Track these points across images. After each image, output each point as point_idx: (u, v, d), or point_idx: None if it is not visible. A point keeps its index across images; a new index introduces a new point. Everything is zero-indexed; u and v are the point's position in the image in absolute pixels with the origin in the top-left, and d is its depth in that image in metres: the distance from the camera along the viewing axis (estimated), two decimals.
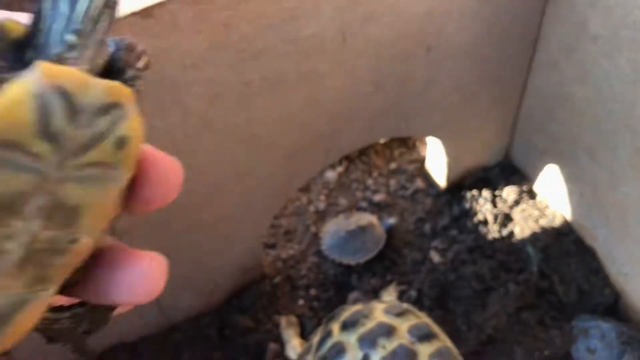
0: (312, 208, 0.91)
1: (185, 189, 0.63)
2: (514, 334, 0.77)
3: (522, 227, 0.87)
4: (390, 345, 0.66)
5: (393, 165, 0.95)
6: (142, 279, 0.24)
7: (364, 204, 0.91)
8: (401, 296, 0.82)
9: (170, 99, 0.53)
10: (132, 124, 0.21)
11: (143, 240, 0.64)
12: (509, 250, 0.84)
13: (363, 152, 0.96)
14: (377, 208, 0.90)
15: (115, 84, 0.20)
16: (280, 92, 0.59)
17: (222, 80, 0.54)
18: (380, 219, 0.87)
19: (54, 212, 0.19)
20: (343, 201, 0.91)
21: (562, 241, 0.85)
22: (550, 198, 0.88)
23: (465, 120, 0.79)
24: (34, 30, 0.20)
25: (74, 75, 0.19)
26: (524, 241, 0.86)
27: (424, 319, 0.71)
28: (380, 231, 0.85)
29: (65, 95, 0.18)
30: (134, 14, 0.46)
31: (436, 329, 0.70)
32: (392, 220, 0.86)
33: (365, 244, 0.83)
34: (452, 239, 0.86)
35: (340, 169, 0.95)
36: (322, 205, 0.91)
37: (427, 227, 0.87)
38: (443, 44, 0.65)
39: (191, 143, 0.58)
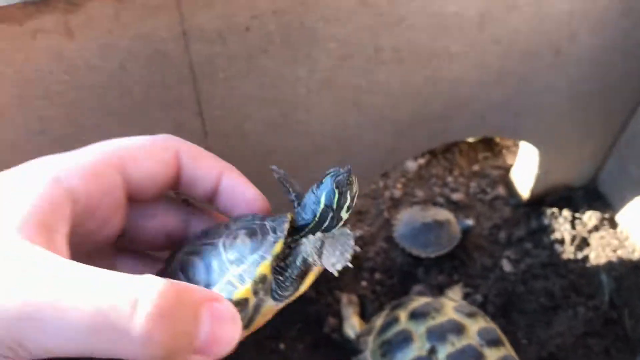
0: (387, 194, 0.90)
1: (289, 145, 0.62)
2: (577, 357, 0.75)
3: (598, 254, 0.84)
4: (459, 343, 0.65)
5: (476, 168, 0.93)
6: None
7: (440, 200, 0.89)
8: (465, 298, 0.81)
9: (304, 51, 0.53)
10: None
11: None
12: (582, 274, 0.82)
13: (447, 149, 0.95)
14: (454, 207, 0.89)
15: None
16: (407, 65, 0.58)
17: (357, 42, 0.54)
18: (456, 218, 0.85)
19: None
20: (420, 193, 0.90)
21: (638, 275, 0.82)
22: (633, 230, 0.85)
23: (569, 132, 0.77)
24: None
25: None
26: (598, 268, 0.83)
27: (492, 324, 0.70)
28: (456, 230, 0.83)
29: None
30: None
31: (503, 336, 0.69)
32: (470, 222, 0.84)
33: (440, 239, 0.82)
34: (525, 251, 0.84)
35: (421, 160, 0.93)
36: (397, 193, 0.90)
37: (502, 236, 0.86)
38: (573, 48, 0.63)
39: (310, 98, 0.57)
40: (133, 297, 0.26)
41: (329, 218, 0.34)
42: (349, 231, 0.34)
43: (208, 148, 0.59)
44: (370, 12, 0.52)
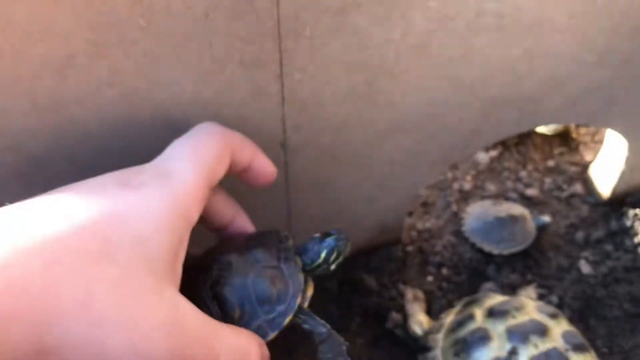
0: (456, 186, 0.85)
1: (366, 119, 0.57)
2: None
3: None
4: (542, 345, 0.59)
5: (551, 163, 0.87)
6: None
7: (513, 195, 0.83)
8: (540, 300, 0.75)
9: (401, 8, 0.48)
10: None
11: (304, 162, 0.59)
12: None
13: (520, 141, 0.89)
14: (528, 203, 0.83)
15: None
16: (507, 34, 0.52)
17: (458, 2, 0.49)
18: (531, 214, 0.79)
19: None
20: (491, 187, 0.84)
21: None
22: None
23: None
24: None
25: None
26: None
27: (574, 327, 0.64)
28: (531, 226, 0.77)
29: None
30: None
31: (587, 342, 0.63)
32: (546, 218, 0.78)
33: (514, 235, 0.76)
34: (606, 253, 0.78)
35: (493, 153, 0.88)
36: (467, 186, 0.84)
37: (579, 236, 0.79)
38: None
39: (399, 65, 0.52)
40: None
41: (321, 268, 0.44)
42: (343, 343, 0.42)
43: (284, 116, 0.55)
44: None
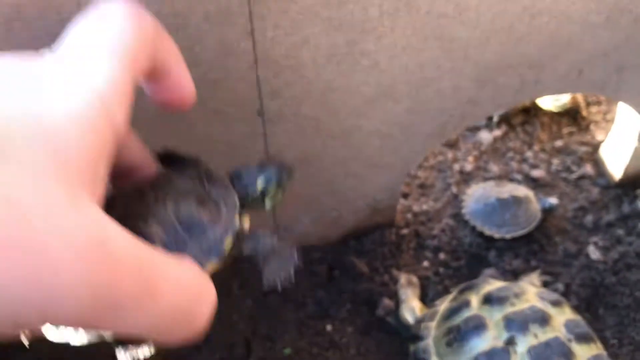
0: (456, 167, 0.79)
1: (351, 84, 0.52)
2: None
3: None
4: (543, 335, 0.54)
5: (559, 143, 0.81)
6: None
7: (518, 177, 0.78)
8: (544, 288, 0.70)
9: None
10: None
11: (286, 135, 0.54)
12: None
13: (526, 120, 0.84)
14: (534, 185, 0.77)
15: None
16: None
17: None
18: (536, 195, 0.74)
19: None
20: (494, 168, 0.79)
21: None
22: None
23: None
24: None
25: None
26: None
27: (579, 316, 0.59)
28: (535, 208, 0.72)
29: None
30: None
31: (592, 332, 0.58)
32: (553, 201, 0.73)
33: (517, 218, 0.71)
34: (617, 238, 0.72)
35: (497, 132, 0.82)
36: (468, 167, 0.79)
37: (588, 219, 0.74)
38: None
39: (383, 23, 0.47)
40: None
41: (255, 201, 0.38)
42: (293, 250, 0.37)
43: (257, 79, 0.50)
44: None
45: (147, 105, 0.41)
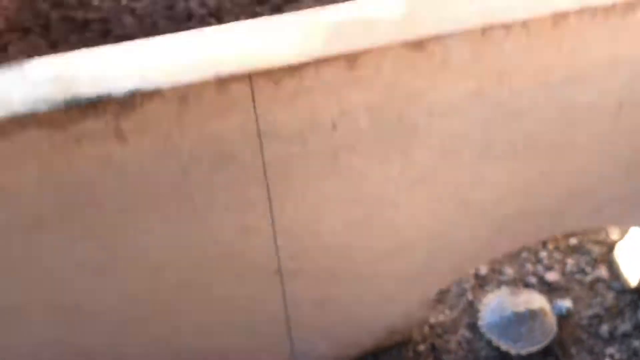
0: (471, 271, 0.79)
1: (371, 243, 0.53)
2: None
3: None
4: None
5: (573, 241, 0.81)
6: None
7: (532, 280, 0.78)
8: None
9: (400, 148, 0.43)
10: None
11: (310, 276, 0.55)
12: None
13: None
14: (548, 288, 0.77)
15: None
16: (521, 158, 0.48)
17: (465, 135, 0.44)
18: (550, 301, 0.74)
19: None
20: (509, 271, 0.79)
21: None
22: None
23: None
24: None
25: None
26: None
27: None
28: (551, 321, 0.72)
29: None
30: (404, 45, 0.36)
31: None
32: (567, 304, 0.73)
33: (532, 332, 0.71)
34: (634, 350, 0.72)
35: None
36: (484, 270, 0.79)
37: (604, 329, 0.74)
38: None
39: (400, 196, 0.48)
40: None
41: None
42: None
43: (277, 248, 0.51)
44: (487, 103, 0.42)
45: (169, 275, 0.42)
